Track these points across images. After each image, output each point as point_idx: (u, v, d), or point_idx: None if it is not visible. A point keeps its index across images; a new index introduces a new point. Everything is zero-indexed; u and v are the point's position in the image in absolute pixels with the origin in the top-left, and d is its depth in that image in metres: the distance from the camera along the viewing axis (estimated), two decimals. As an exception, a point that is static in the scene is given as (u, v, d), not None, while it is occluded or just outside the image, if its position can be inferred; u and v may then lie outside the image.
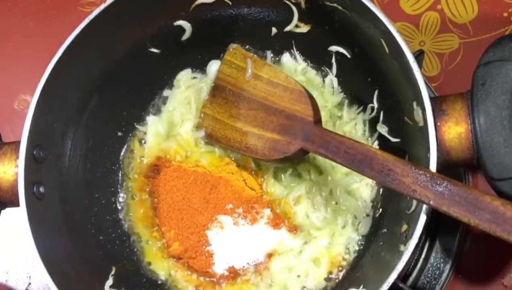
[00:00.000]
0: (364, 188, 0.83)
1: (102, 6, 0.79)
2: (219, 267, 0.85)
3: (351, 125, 0.86)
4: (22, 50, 1.08)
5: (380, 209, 0.81)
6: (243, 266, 0.84)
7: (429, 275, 0.83)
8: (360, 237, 0.82)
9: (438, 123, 0.66)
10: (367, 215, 0.82)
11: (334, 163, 0.75)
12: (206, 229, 0.85)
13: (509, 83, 0.64)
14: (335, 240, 0.82)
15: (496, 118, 0.64)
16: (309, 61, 0.89)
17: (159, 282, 0.86)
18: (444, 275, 0.83)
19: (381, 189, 0.82)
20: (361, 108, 0.86)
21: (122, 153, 0.91)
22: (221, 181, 0.87)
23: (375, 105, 0.82)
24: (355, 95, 0.87)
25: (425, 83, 0.67)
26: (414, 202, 0.72)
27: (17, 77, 1.06)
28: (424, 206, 0.64)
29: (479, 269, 0.83)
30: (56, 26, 1.03)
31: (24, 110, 1.03)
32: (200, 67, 0.92)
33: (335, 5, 0.76)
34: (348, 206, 0.83)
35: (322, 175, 0.84)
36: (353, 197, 0.83)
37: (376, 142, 0.84)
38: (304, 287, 0.82)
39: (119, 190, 0.90)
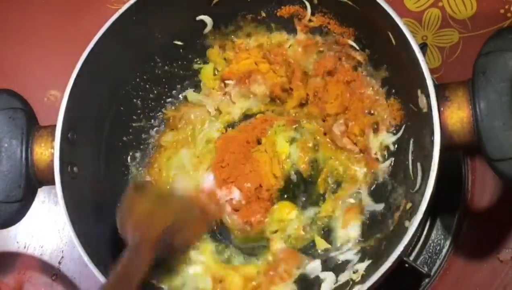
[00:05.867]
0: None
1: (129, 3, 0.79)
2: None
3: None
4: (53, 46, 1.08)
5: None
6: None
7: (430, 250, 0.83)
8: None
9: (442, 109, 0.66)
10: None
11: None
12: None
13: (508, 72, 0.64)
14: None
15: (495, 104, 0.64)
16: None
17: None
18: (444, 250, 0.83)
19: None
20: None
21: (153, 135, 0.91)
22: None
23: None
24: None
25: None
26: (418, 182, 0.72)
27: (48, 72, 1.07)
28: (428, 185, 0.64)
29: (477, 245, 0.82)
30: (86, 23, 1.02)
31: (55, 103, 1.03)
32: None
33: (345, 0, 0.76)
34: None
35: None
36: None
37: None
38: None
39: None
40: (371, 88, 0.83)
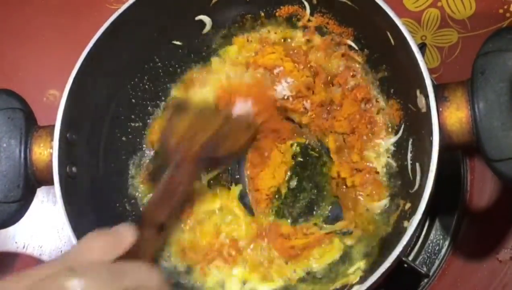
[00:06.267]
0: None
1: (128, 3, 0.79)
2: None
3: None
4: (53, 45, 1.08)
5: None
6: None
7: (429, 250, 0.83)
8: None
9: (440, 109, 0.66)
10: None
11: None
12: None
13: (507, 72, 0.64)
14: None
15: (494, 104, 0.63)
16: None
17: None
18: (443, 250, 0.83)
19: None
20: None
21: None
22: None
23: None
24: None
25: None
26: (417, 183, 0.72)
27: (47, 72, 1.07)
28: (427, 186, 0.64)
29: (476, 245, 0.82)
30: (85, 23, 1.02)
31: (54, 103, 1.03)
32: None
33: (344, 0, 0.76)
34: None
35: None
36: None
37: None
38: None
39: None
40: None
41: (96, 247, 0.51)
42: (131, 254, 0.53)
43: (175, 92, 0.91)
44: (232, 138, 0.77)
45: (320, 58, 0.86)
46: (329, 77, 0.85)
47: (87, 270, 0.48)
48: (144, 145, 0.90)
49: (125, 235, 0.53)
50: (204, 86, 0.89)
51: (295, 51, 0.87)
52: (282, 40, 0.88)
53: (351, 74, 0.84)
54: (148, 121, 0.90)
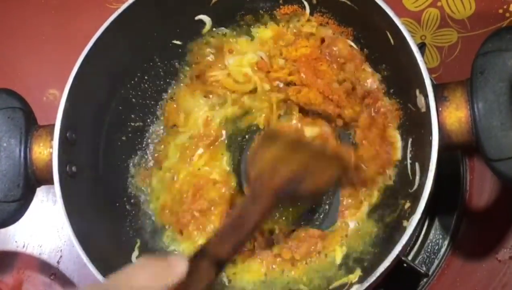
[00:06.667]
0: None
1: (128, 3, 0.79)
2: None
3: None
4: (53, 45, 1.08)
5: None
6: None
7: (429, 250, 0.83)
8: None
9: (440, 109, 0.66)
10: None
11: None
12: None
13: (506, 72, 0.64)
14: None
15: (493, 104, 0.63)
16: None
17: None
18: (442, 250, 0.83)
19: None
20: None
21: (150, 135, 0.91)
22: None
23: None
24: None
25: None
26: (416, 182, 0.72)
27: (47, 71, 1.07)
28: (426, 185, 0.64)
29: (475, 245, 0.82)
30: (85, 22, 1.03)
31: (54, 102, 1.03)
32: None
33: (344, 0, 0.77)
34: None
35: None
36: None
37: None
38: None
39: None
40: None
41: (147, 273, 0.50)
42: (182, 285, 0.51)
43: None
44: (318, 175, 0.70)
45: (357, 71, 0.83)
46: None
47: None
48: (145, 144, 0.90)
49: (176, 265, 0.52)
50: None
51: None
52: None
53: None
54: (150, 120, 0.90)
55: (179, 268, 0.51)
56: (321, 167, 0.70)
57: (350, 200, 0.82)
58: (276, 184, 0.65)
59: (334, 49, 0.83)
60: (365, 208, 0.80)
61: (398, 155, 0.78)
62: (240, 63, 0.88)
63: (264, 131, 0.80)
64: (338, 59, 0.83)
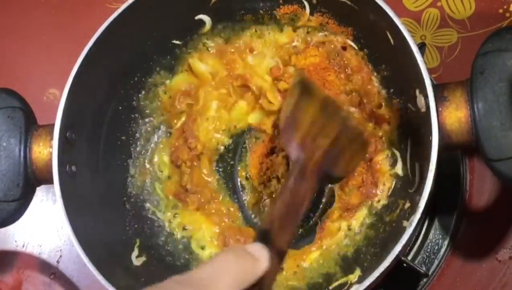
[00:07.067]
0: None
1: (128, 3, 0.79)
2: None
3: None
4: (52, 44, 1.08)
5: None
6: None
7: (428, 250, 0.83)
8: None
9: (440, 109, 0.66)
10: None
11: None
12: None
13: (506, 72, 0.64)
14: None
15: (493, 104, 0.63)
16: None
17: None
18: (442, 250, 0.83)
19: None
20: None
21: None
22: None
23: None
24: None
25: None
26: (416, 182, 0.72)
27: (47, 71, 1.07)
28: (426, 185, 0.64)
29: (475, 245, 0.82)
30: (85, 22, 1.03)
31: (54, 102, 1.03)
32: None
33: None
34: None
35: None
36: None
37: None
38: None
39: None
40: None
41: (230, 273, 0.45)
42: (257, 284, 0.47)
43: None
44: (347, 156, 0.67)
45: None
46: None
47: None
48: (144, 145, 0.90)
49: (260, 260, 0.48)
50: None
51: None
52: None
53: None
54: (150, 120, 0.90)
55: (262, 264, 0.48)
56: (349, 144, 0.67)
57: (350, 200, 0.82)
58: (317, 159, 0.61)
59: (343, 59, 0.83)
60: (365, 208, 0.80)
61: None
62: (260, 64, 0.87)
63: (300, 78, 0.71)
64: (346, 70, 0.83)
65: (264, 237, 0.52)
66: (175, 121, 0.90)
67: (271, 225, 0.53)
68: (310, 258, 0.81)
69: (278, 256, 0.52)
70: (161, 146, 0.90)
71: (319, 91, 0.68)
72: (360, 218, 0.80)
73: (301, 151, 0.62)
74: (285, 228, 0.53)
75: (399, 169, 0.77)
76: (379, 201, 0.79)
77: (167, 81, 0.89)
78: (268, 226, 0.53)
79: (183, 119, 0.90)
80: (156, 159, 0.89)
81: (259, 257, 0.48)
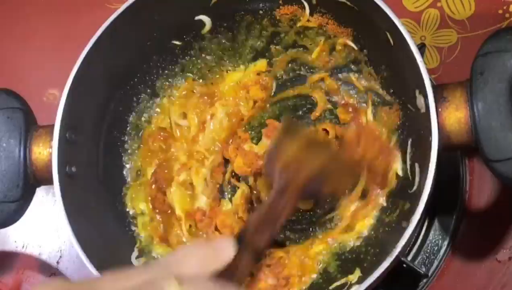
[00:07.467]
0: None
1: (128, 3, 0.79)
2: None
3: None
4: (52, 45, 1.08)
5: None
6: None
7: (428, 251, 0.83)
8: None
9: (440, 109, 0.66)
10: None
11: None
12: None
13: (506, 72, 0.64)
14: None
15: (493, 104, 0.63)
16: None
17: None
18: (442, 251, 0.83)
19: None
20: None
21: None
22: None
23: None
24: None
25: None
26: (416, 183, 0.72)
27: (46, 71, 1.07)
28: (426, 186, 0.64)
29: (475, 245, 0.82)
30: (85, 22, 1.03)
31: (54, 102, 1.03)
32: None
33: (344, 0, 0.76)
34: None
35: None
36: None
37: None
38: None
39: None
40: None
41: (196, 258, 0.50)
42: (225, 273, 0.51)
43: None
44: (337, 177, 0.74)
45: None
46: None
47: (193, 283, 0.47)
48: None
49: (225, 249, 0.51)
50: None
51: None
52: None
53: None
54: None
55: (227, 252, 0.51)
56: (337, 171, 0.73)
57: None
58: (301, 180, 0.68)
59: None
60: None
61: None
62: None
63: (284, 124, 0.80)
64: None
65: (239, 237, 0.57)
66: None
67: (246, 230, 0.60)
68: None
69: (253, 254, 0.57)
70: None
71: (304, 131, 0.75)
72: (364, 221, 0.80)
73: (283, 174, 0.68)
74: (261, 233, 0.60)
75: (398, 169, 0.77)
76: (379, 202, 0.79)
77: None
78: (243, 230, 0.60)
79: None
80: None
81: (225, 247, 0.52)
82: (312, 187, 0.70)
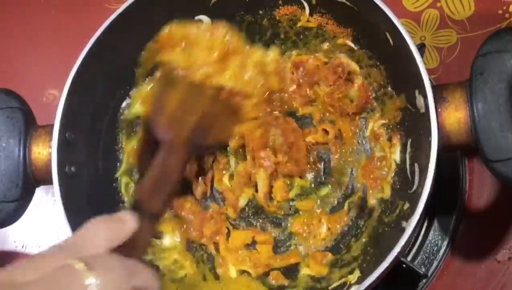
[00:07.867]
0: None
1: (127, 3, 0.79)
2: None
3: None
4: (52, 45, 1.08)
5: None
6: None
7: (428, 251, 0.83)
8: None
9: (439, 109, 0.66)
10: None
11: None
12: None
13: (506, 73, 0.64)
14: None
15: (493, 105, 0.63)
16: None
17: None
18: (442, 251, 0.83)
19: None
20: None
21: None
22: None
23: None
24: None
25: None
26: (416, 183, 0.72)
27: (46, 71, 1.07)
28: (425, 186, 0.64)
29: (474, 246, 0.82)
30: (85, 22, 1.02)
31: (53, 102, 1.03)
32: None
33: (344, 0, 0.76)
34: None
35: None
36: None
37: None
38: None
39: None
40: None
41: (100, 234, 0.50)
42: (129, 243, 0.52)
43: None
44: (220, 124, 0.73)
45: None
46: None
47: (101, 264, 0.47)
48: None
49: (127, 221, 0.53)
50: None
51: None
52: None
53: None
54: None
55: (129, 224, 0.53)
56: (219, 116, 0.73)
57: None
58: (184, 136, 0.68)
59: None
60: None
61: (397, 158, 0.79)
62: None
63: (163, 71, 0.76)
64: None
65: (135, 206, 0.58)
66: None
67: (141, 196, 0.60)
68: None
69: (151, 220, 0.58)
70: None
71: (182, 78, 0.73)
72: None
73: (168, 131, 0.68)
74: (157, 197, 0.60)
75: (397, 157, 0.78)
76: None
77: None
78: (139, 197, 0.60)
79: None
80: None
81: (127, 220, 0.53)
82: (197, 139, 0.69)
